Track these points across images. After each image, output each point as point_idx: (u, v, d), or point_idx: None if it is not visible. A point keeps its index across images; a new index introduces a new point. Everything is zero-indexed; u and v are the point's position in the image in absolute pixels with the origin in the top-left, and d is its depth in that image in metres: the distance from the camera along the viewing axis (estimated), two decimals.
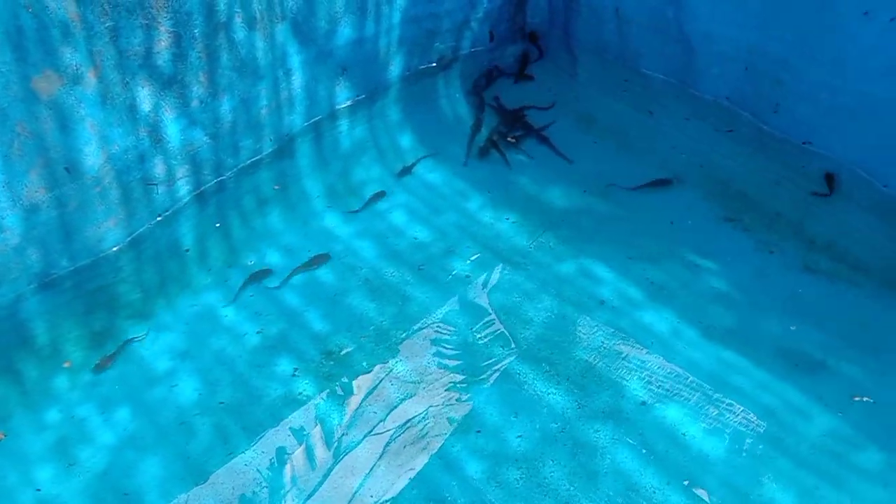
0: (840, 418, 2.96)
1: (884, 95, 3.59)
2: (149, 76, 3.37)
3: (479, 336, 3.30)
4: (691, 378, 3.12)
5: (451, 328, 3.34)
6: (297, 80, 4.05)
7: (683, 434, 2.94)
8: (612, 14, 4.47)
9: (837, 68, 3.70)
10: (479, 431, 2.97)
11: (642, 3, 4.35)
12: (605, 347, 3.25)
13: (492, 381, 3.14)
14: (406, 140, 4.31)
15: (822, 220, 3.73)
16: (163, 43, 3.33)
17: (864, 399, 3.02)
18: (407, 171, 4.07)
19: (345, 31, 4.09)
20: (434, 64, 4.70)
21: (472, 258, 3.62)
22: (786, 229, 3.70)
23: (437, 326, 3.35)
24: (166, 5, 3.26)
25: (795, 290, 3.43)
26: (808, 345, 3.23)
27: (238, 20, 3.58)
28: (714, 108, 4.34)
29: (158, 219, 3.73)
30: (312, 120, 4.29)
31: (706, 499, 2.75)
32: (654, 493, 2.77)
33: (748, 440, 2.91)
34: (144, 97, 3.40)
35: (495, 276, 3.55)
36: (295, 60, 3.98)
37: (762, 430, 2.94)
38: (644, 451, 2.89)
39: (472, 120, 4.36)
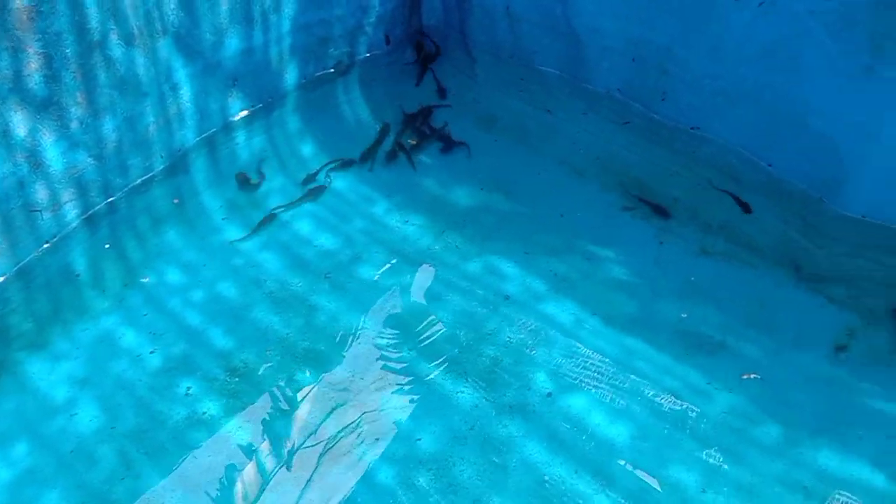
0: (739, 396, 3.02)
1: (760, 79, 3.68)
2: (21, 100, 3.20)
3: (386, 341, 3.27)
4: (596, 366, 3.15)
5: (359, 335, 3.28)
6: (186, 94, 3.92)
7: (590, 422, 2.96)
8: (503, 13, 4.46)
9: (716, 55, 3.78)
10: (387, 437, 2.93)
11: (531, 0, 4.36)
12: (511, 342, 3.24)
13: (400, 385, 3.10)
14: (308, 148, 4.21)
15: (716, 203, 3.78)
16: (32, 65, 3.17)
17: (752, 376, 3.09)
18: (311, 179, 3.99)
19: (232, 42, 3.98)
20: (331, 70, 4.62)
21: (381, 263, 3.57)
22: (682, 215, 3.76)
23: (345, 334, 3.29)
24: (32, 27, 3.10)
25: (693, 274, 3.48)
26: (708, 326, 3.29)
27: (114, 37, 3.43)
28: (607, 100, 4.38)
29: (46, 245, 3.56)
30: (206, 134, 4.14)
31: (615, 484, 2.81)
32: (564, 483, 2.78)
33: (653, 423, 2.94)
34: (18, 122, 3.23)
35: (403, 279, 3.52)
36: (181, 74, 3.85)
37: (666, 413, 2.97)
38: (552, 442, 2.90)
39: (379, 124, 4.31)
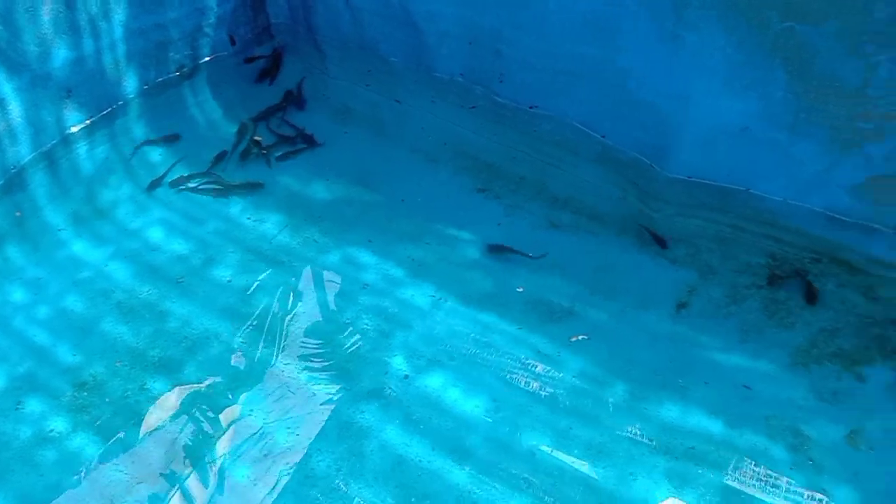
0: (588, 359, 3.11)
1: (584, 52, 3.76)
2: None
3: (242, 340, 3.19)
4: (451, 345, 3.17)
5: (213, 337, 3.20)
6: (15, 109, 3.70)
7: (446, 399, 2.99)
8: (344, 5, 4.44)
9: (541, 33, 3.84)
10: (243, 436, 2.87)
11: None
12: (368, 330, 3.23)
13: (258, 384, 3.04)
14: (157, 154, 4.07)
15: (560, 178, 3.89)
16: None
17: (580, 337, 3.18)
18: (159, 184, 3.86)
19: (60, 52, 3.79)
20: (176, 74, 4.47)
21: (235, 263, 3.49)
22: (530, 191, 3.84)
23: (198, 338, 3.20)
24: None
25: (543, 247, 3.55)
26: (557, 295, 3.37)
27: None
28: (452, 86, 4.40)
29: None
30: (42, 148, 3.91)
31: (471, 457, 2.84)
32: (421, 461, 2.80)
33: (506, 394, 2.99)
34: None
35: (260, 277, 3.45)
36: (6, 89, 3.63)
37: (519, 383, 3.03)
38: (410, 423, 2.91)
39: (231, 125, 4.21)
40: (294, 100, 4.41)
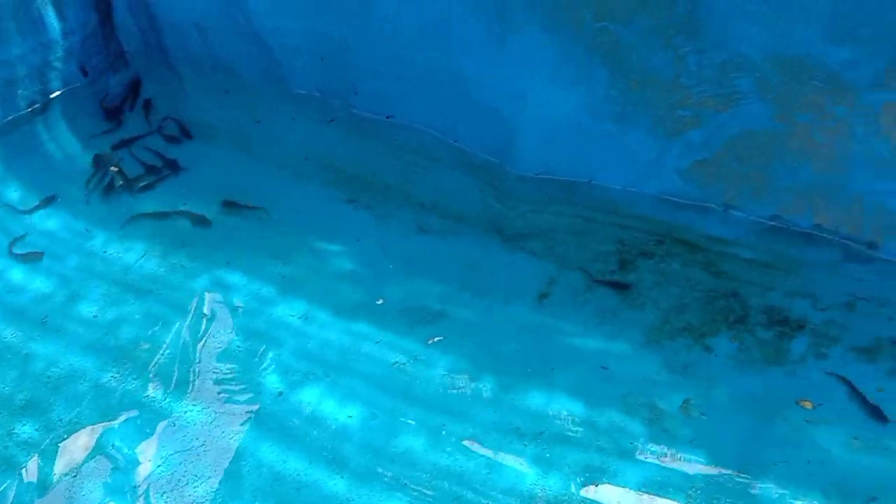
0: (456, 357, 3.18)
1: (425, 60, 3.85)
2: None
3: (112, 375, 3.12)
4: (324, 358, 3.19)
5: (81, 374, 3.12)
6: None
7: (322, 412, 3.00)
8: (193, 27, 4.39)
9: (382, 43, 3.91)
10: (117, 471, 2.81)
11: (211, 10, 4.30)
12: (240, 351, 3.22)
13: (128, 416, 2.98)
14: (14, 193, 3.93)
15: (423, 184, 3.97)
16: None
17: (437, 339, 3.26)
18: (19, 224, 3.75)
19: None
20: (28, 111, 4.32)
21: (100, 297, 3.41)
22: (397, 199, 3.91)
23: (64, 377, 3.11)
24: None
25: (413, 252, 3.63)
26: (428, 298, 3.44)
27: None
28: (311, 101, 4.43)
29: None
30: None
31: (347, 466, 2.89)
32: (300, 475, 2.80)
33: (381, 400, 3.04)
34: None
35: (127, 309, 3.38)
36: None
37: (393, 387, 3.08)
38: (286, 439, 2.91)
39: (90, 156, 4.10)
40: (156, 125, 4.33)
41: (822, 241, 3.38)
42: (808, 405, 2.90)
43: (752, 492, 2.74)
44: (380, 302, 3.41)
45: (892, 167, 2.94)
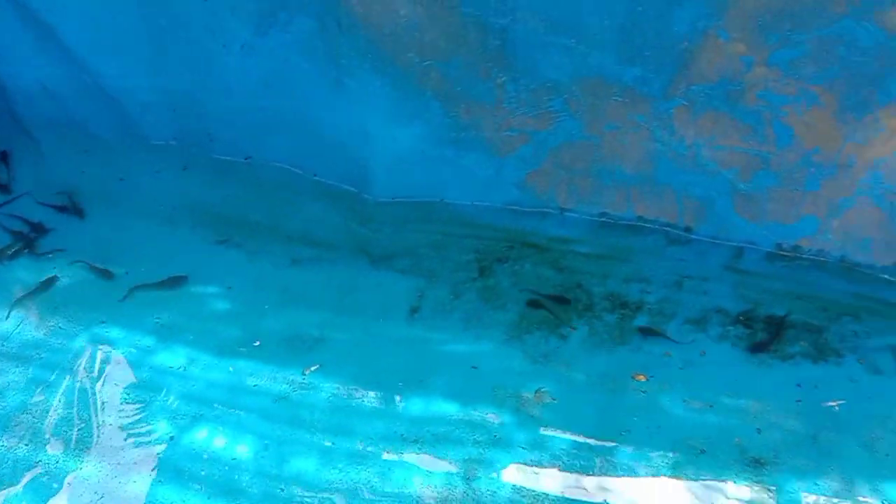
0: (340, 378, 3.38)
1: (274, 106, 4.04)
2: None
3: (2, 442, 3.13)
4: (211, 398, 3.31)
5: None
6: None
7: (214, 449, 3.13)
8: (41, 90, 4.39)
9: (230, 93, 4.07)
10: None
11: (56, 73, 4.31)
12: (128, 402, 3.29)
13: (20, 483, 2.99)
14: None
15: (290, 217, 4.15)
16: None
17: (314, 368, 3.44)
18: None
19: None
20: None
21: None
22: (267, 234, 4.07)
23: None
24: None
25: (288, 283, 3.80)
26: (307, 326, 3.62)
27: None
28: (169, 150, 4.52)
29: None
30: None
31: (244, 496, 3.04)
32: None
33: (269, 430, 3.19)
34: None
35: (9, 377, 3.37)
36: None
37: (280, 416, 3.24)
38: (182, 480, 3.01)
39: None
40: (19, 191, 4.30)
41: (646, 231, 3.81)
42: (641, 378, 3.32)
43: (612, 454, 3.10)
44: (257, 344, 3.55)
45: (689, 161, 3.37)
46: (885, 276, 3.49)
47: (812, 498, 3.03)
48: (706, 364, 3.45)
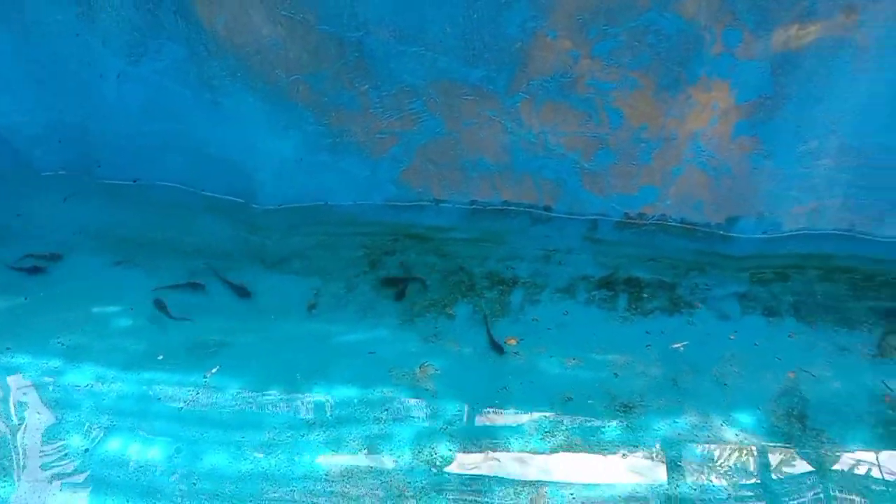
0: (245, 377, 3.58)
1: (156, 129, 4.24)
2: None
3: None
4: (122, 409, 3.44)
5: None
6: None
7: (130, 456, 3.25)
8: None
9: (113, 118, 4.24)
10: None
11: None
12: (38, 423, 3.37)
13: None
14: None
15: (186, 232, 4.32)
16: None
17: (214, 371, 3.64)
18: None
19: None
20: None
21: None
22: (164, 250, 4.22)
23: None
24: None
25: (191, 297, 3.97)
26: (209, 333, 3.79)
27: None
28: (58, 180, 4.63)
29: None
30: None
31: (162, 494, 3.21)
32: None
33: (183, 432, 3.35)
34: None
35: None
36: None
37: (190, 419, 3.40)
38: (100, 487, 3.14)
39: None
40: None
41: (512, 213, 4.17)
42: (512, 341, 3.67)
43: (500, 414, 3.43)
44: (160, 357, 3.71)
45: (539, 148, 3.72)
46: (720, 233, 3.97)
47: (675, 433, 3.45)
48: (576, 325, 3.84)
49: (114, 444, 3.36)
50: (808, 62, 3.07)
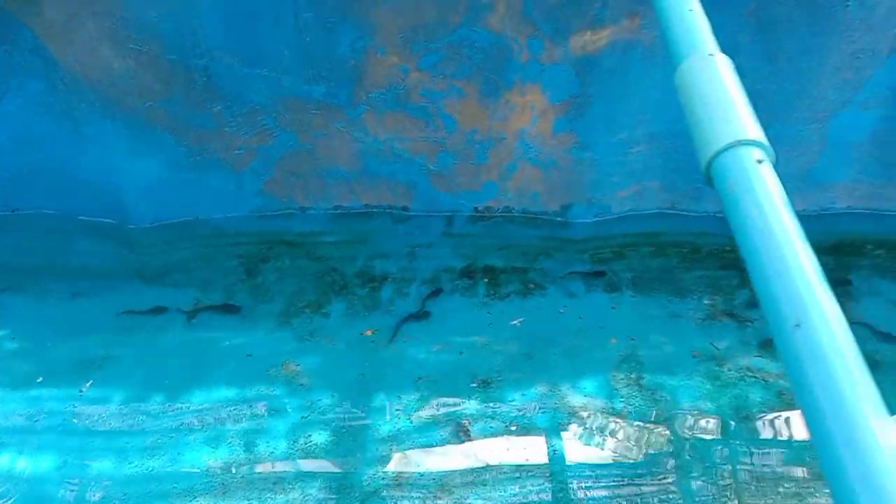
0: (128, 388, 3.79)
1: (29, 160, 4.31)
2: None
3: None
4: (10, 426, 3.64)
5: None
6: None
7: (17, 472, 3.45)
8: None
9: None
10: None
11: None
12: None
13: None
14: None
15: (67, 255, 4.49)
16: None
17: (88, 385, 3.86)
18: None
19: None
20: None
21: None
22: (47, 274, 4.37)
23: None
24: None
25: (72, 315, 4.14)
26: (93, 348, 3.98)
27: None
28: None
29: None
30: None
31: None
32: None
33: (69, 442, 3.56)
34: None
35: None
36: None
37: (77, 430, 3.61)
38: None
39: None
40: None
41: (375, 215, 4.49)
42: (368, 332, 4.00)
43: (370, 399, 3.74)
44: (40, 380, 3.88)
45: (388, 154, 4.05)
46: (558, 219, 4.36)
47: (529, 404, 3.82)
48: (441, 314, 4.18)
49: (2, 461, 3.56)
50: (605, 62, 3.48)
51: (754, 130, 1.53)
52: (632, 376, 3.92)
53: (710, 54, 1.74)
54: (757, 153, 1.51)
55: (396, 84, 3.61)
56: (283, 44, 3.42)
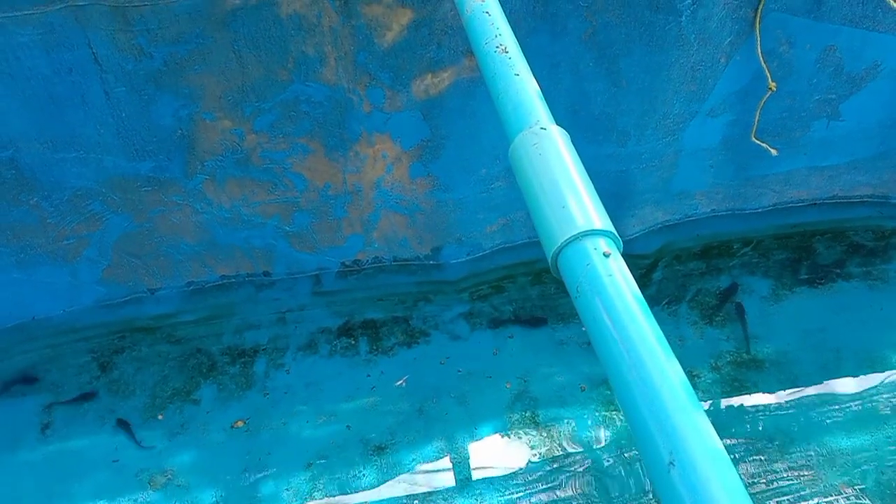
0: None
1: None
2: None
3: None
4: None
5: None
6: None
7: None
8: None
9: None
10: None
11: None
12: None
13: None
14: None
15: None
16: None
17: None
18: None
19: None
20: None
21: None
22: None
23: None
24: None
25: None
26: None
27: None
28: None
29: None
30: None
31: None
32: None
33: None
34: None
35: None
36: None
37: None
38: None
39: None
40: None
41: (234, 285, 4.17)
42: (240, 424, 3.70)
43: (255, 491, 3.46)
44: None
45: (237, 221, 3.76)
46: (431, 262, 4.20)
47: (425, 465, 3.62)
48: (324, 380, 3.92)
49: None
50: (451, 103, 3.32)
51: (598, 219, 1.38)
52: (526, 413, 3.81)
53: (543, 128, 1.59)
54: (603, 244, 1.36)
55: (233, 149, 3.31)
56: (96, 123, 3.06)
